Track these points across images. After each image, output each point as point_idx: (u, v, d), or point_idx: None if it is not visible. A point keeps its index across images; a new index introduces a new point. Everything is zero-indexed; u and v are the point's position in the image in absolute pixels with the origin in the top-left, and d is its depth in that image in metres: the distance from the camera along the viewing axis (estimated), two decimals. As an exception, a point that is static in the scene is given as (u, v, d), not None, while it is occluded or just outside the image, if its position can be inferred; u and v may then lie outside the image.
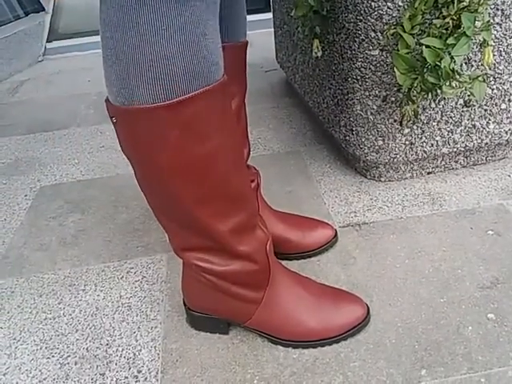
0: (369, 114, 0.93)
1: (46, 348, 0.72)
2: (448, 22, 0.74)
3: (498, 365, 0.63)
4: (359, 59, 0.88)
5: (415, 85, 0.79)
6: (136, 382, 0.66)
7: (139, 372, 0.67)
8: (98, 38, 1.86)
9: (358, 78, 0.90)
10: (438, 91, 0.78)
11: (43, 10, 2.20)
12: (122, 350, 0.71)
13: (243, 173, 0.59)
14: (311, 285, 0.70)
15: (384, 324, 0.70)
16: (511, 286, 0.74)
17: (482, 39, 0.80)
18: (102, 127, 1.43)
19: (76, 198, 1.10)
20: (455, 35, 0.74)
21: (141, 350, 0.70)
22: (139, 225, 0.98)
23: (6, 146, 1.38)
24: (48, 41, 2.21)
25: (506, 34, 0.86)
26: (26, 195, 1.13)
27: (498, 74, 0.90)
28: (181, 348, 0.70)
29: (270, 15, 1.60)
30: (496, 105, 0.94)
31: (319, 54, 1.01)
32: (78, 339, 0.73)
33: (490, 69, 0.89)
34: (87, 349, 0.71)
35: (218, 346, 0.69)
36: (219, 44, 0.51)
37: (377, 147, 0.96)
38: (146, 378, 0.66)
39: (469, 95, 0.91)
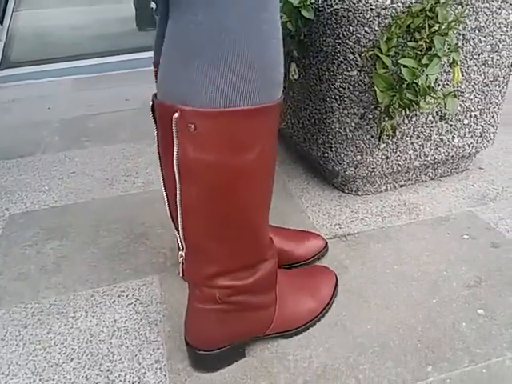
0: (347, 131, 0.98)
1: (40, 380, 0.68)
2: (422, 45, 0.82)
3: (495, 355, 0.67)
4: (338, 80, 0.94)
5: (393, 102, 0.86)
6: (145, 405, 0.63)
7: (147, 395, 0.64)
8: (52, 67, 1.82)
9: (337, 97, 0.96)
10: (416, 107, 0.85)
11: (-4, 37, 2.13)
12: (125, 374, 0.68)
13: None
14: (288, 270, 0.78)
15: (385, 327, 0.73)
16: (493, 284, 0.80)
17: (448, 60, 0.88)
18: (71, 153, 1.39)
19: (52, 224, 1.05)
20: (428, 56, 0.82)
21: (145, 373, 0.68)
22: (124, 248, 0.96)
23: (-35, 175, 1.30)
24: (0, 69, 2.13)
25: (466, 57, 0.95)
26: (-6, 224, 1.06)
27: (461, 92, 0.99)
28: (188, 367, 0.68)
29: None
30: (460, 120, 1.02)
31: (296, 76, 1.06)
32: (74, 368, 0.69)
33: (453, 87, 0.98)
34: (86, 377, 0.68)
35: (227, 361, 0.68)
36: None
37: (355, 162, 1.01)
38: (155, 401, 0.63)
39: (437, 111, 0.99)
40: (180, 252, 0.60)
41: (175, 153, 0.50)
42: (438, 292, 0.79)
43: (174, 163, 0.51)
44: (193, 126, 0.48)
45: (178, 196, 0.53)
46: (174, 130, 0.49)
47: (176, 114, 0.48)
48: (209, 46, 0.47)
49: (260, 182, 0.55)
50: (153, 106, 0.54)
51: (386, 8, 0.85)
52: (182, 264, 0.61)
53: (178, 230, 0.57)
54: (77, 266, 0.91)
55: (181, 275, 0.62)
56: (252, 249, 0.60)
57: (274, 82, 0.51)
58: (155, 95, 0.54)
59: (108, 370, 0.69)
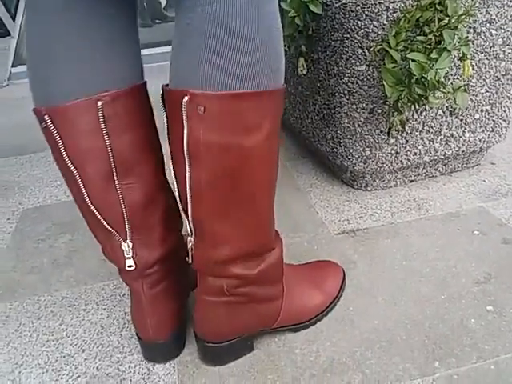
0: (356, 126, 0.97)
1: (52, 370, 0.69)
2: (431, 38, 0.81)
3: (503, 352, 0.66)
4: (346, 75, 0.93)
5: (402, 96, 0.85)
6: (154, 397, 0.64)
7: (156, 387, 0.66)
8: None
9: (345, 92, 0.95)
10: (425, 101, 0.84)
11: (9, 34, 2.16)
12: (135, 366, 0.69)
13: None
14: (295, 265, 0.79)
15: (392, 322, 0.73)
16: (503, 280, 0.79)
17: (458, 54, 0.87)
18: (82, 149, 1.41)
19: (64, 219, 1.07)
20: (437, 50, 0.81)
21: (155, 365, 0.69)
22: (134, 242, 0.97)
23: (-20, 170, 1.33)
24: (13, 65, 2.16)
25: (477, 50, 0.94)
26: (8, 218, 1.09)
27: (472, 86, 0.98)
28: (196, 359, 0.69)
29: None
30: (470, 115, 1.01)
31: (304, 71, 1.06)
32: (86, 359, 0.71)
33: (464, 81, 0.96)
34: (97, 368, 0.69)
35: (234, 354, 0.69)
36: None
37: (364, 157, 1.01)
38: (163, 393, 0.65)
39: (447, 106, 0.98)
40: (189, 238, 0.61)
41: (185, 135, 0.51)
42: (447, 288, 0.78)
43: (184, 146, 0.52)
44: (202, 108, 0.49)
45: (187, 178, 0.54)
46: (183, 114, 0.50)
47: (186, 98, 0.49)
48: (215, 31, 0.48)
49: (267, 163, 0.56)
50: (162, 95, 0.55)
51: (394, 2, 0.84)
52: (191, 250, 0.61)
53: (186, 215, 0.58)
54: (88, 260, 0.92)
55: (190, 261, 0.63)
56: (259, 234, 0.60)
57: (279, 69, 0.53)
58: (166, 85, 0.55)
59: (118, 362, 0.70)
